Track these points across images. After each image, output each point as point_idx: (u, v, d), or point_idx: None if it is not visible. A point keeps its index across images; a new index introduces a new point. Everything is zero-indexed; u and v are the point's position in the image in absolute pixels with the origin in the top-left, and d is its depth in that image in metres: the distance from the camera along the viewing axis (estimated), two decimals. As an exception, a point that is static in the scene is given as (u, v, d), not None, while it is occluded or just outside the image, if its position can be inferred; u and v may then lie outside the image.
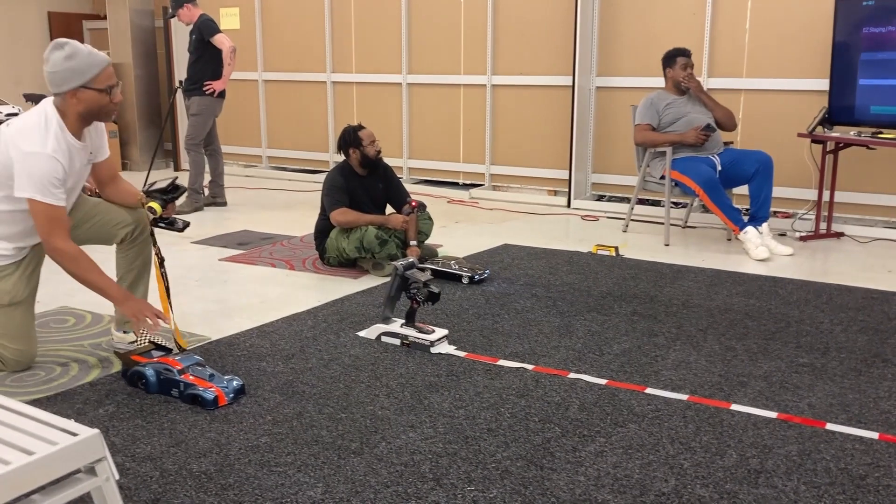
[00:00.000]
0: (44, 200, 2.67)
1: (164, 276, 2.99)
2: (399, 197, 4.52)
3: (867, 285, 4.11)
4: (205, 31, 5.91)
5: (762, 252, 4.64)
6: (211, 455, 2.30)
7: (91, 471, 1.46)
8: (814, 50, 5.45)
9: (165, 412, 2.58)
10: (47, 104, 2.76)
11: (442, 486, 2.15)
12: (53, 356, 3.08)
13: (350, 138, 4.41)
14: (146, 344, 2.94)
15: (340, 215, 4.28)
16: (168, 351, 2.90)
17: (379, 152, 4.45)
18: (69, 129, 2.75)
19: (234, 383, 2.68)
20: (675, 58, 5.14)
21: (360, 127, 4.45)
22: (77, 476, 1.46)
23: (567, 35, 6.25)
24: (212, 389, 2.61)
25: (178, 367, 2.68)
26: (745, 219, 4.86)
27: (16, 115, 5.75)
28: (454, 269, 4.11)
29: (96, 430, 1.45)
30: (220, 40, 5.89)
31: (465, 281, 4.07)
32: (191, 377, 2.66)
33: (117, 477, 1.48)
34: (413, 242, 4.38)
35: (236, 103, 8.07)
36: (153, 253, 3.14)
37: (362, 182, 4.43)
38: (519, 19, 6.57)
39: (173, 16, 6.08)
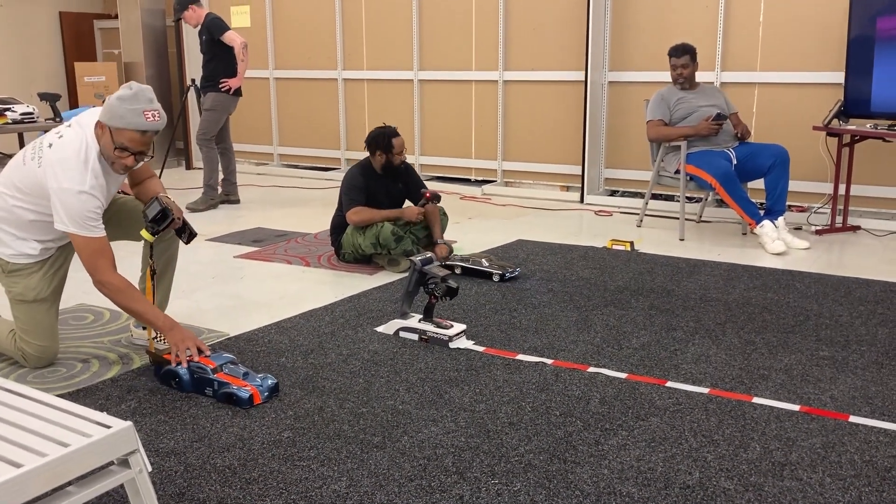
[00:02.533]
0: (83, 234, 2.67)
1: (153, 289, 2.96)
2: (417, 192, 4.50)
3: (885, 278, 4.08)
4: (214, 30, 5.89)
5: (779, 246, 4.62)
6: (234, 450, 2.31)
7: (124, 463, 1.46)
8: (829, 42, 5.42)
9: (187, 408, 2.59)
10: (88, 131, 2.72)
11: (466, 479, 2.15)
12: (74, 353, 3.09)
13: (382, 142, 4.35)
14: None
15: (355, 215, 4.28)
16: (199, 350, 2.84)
17: (403, 162, 4.43)
18: (104, 154, 2.74)
19: (269, 381, 2.65)
20: (669, 57, 5.14)
21: (396, 133, 4.38)
22: (110, 468, 1.47)
23: (579, 30, 6.24)
24: (247, 388, 2.58)
25: (212, 366, 2.65)
26: (761, 213, 4.84)
27: (31, 114, 5.78)
28: (485, 267, 4.07)
29: (129, 423, 1.46)
30: (230, 37, 5.87)
31: (495, 279, 4.01)
32: (225, 376, 2.63)
33: (149, 469, 1.49)
34: (441, 240, 4.36)
35: (247, 101, 8.07)
36: (177, 252, 3.16)
37: (382, 182, 4.42)
38: (530, 14, 6.56)
39: (179, 19, 6.03)
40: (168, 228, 2.90)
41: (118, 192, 3.07)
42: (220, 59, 5.97)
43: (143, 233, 2.88)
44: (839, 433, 2.40)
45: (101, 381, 2.81)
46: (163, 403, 2.63)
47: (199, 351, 2.73)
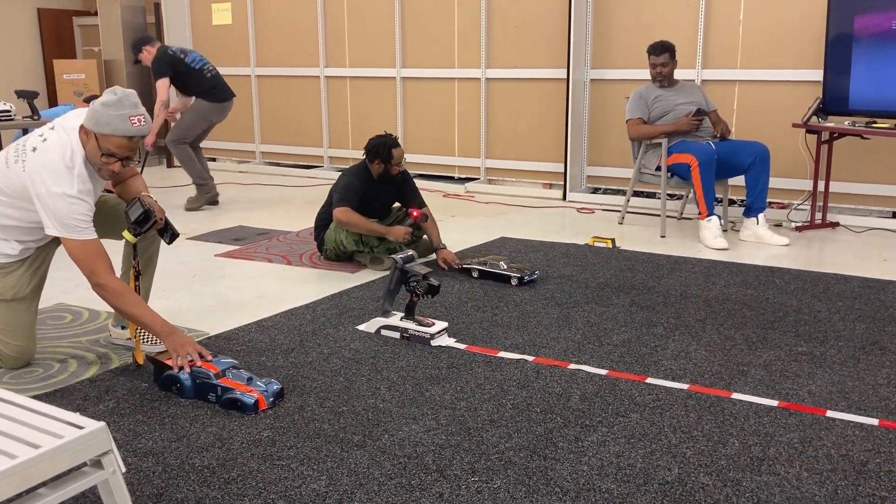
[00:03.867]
0: (75, 238, 2.64)
1: (136, 289, 2.93)
2: (410, 200, 4.42)
3: (863, 274, 4.12)
4: (153, 70, 5.85)
5: (720, 242, 4.68)
6: (213, 449, 2.30)
7: (97, 464, 1.45)
8: (808, 40, 5.46)
9: (166, 407, 2.57)
10: (73, 136, 2.68)
11: (446, 477, 2.15)
12: (51, 353, 3.06)
13: (382, 152, 4.26)
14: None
15: (343, 214, 4.21)
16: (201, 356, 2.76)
17: (401, 172, 4.36)
18: (89, 159, 2.71)
19: (274, 387, 2.59)
20: (648, 55, 5.16)
21: (396, 144, 4.31)
22: (83, 469, 1.46)
23: (561, 28, 6.25)
24: (252, 394, 2.52)
25: (215, 371, 2.59)
26: (742, 210, 4.87)
27: (8, 111, 5.71)
28: (503, 270, 3.97)
29: (102, 423, 1.44)
30: (157, 86, 5.79)
31: (514, 282, 3.93)
32: (229, 381, 2.58)
33: (123, 470, 1.47)
34: (442, 245, 4.29)
35: (229, 99, 8.04)
36: (158, 250, 3.14)
37: (378, 188, 4.37)
38: (513, 12, 6.56)
39: (137, 61, 6.00)
40: (150, 230, 2.88)
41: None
42: (187, 86, 5.90)
43: (126, 234, 2.85)
44: (816, 428, 2.42)
45: (78, 382, 2.78)
46: (141, 403, 2.61)
47: (201, 356, 2.67)
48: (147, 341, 3.04)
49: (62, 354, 3.05)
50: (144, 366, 2.86)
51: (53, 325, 3.40)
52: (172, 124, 6.03)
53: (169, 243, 3.00)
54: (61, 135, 2.70)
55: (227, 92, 6.06)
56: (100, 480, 1.45)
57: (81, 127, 2.68)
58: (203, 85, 5.89)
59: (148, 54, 5.88)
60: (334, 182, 4.43)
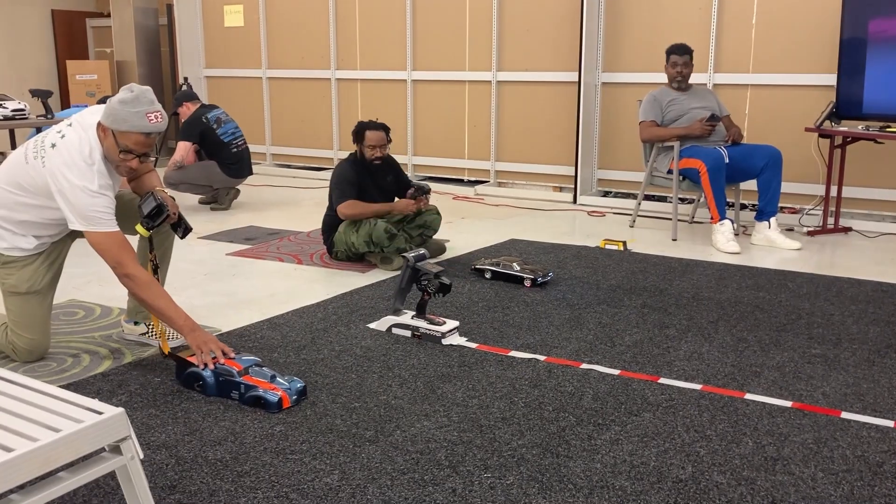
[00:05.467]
0: (99, 230, 2.66)
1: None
2: (406, 187, 4.49)
3: (876, 278, 4.10)
4: (181, 130, 5.93)
5: (733, 246, 4.66)
6: (226, 443, 2.30)
7: (116, 449, 1.45)
8: (821, 44, 5.45)
9: (178, 402, 2.58)
10: (91, 133, 2.70)
11: (458, 472, 2.14)
12: (64, 347, 3.07)
13: (356, 133, 4.38)
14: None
15: (347, 208, 4.25)
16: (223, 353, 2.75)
17: (379, 160, 4.35)
18: (107, 155, 2.73)
19: (297, 385, 2.57)
20: (668, 55, 5.15)
21: (376, 126, 4.34)
22: (102, 455, 1.46)
23: (573, 31, 6.25)
24: (276, 391, 2.51)
25: (238, 369, 2.59)
26: (754, 214, 4.86)
27: (22, 110, 5.75)
28: (516, 272, 3.96)
29: (121, 409, 1.45)
30: (178, 146, 5.87)
31: (527, 283, 3.92)
32: (252, 378, 2.57)
33: (141, 456, 1.48)
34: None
35: (241, 100, 8.08)
36: (171, 246, 3.15)
37: (372, 174, 4.40)
38: (524, 15, 6.57)
39: (175, 113, 6.09)
40: (163, 224, 2.89)
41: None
42: (210, 146, 5.94)
43: (139, 227, 2.86)
44: (831, 429, 2.41)
45: (91, 376, 2.79)
46: (154, 397, 2.61)
47: (224, 354, 2.66)
48: (161, 336, 3.05)
49: (75, 349, 3.06)
50: (169, 358, 2.85)
51: (66, 320, 3.41)
52: (174, 162, 5.98)
53: (182, 237, 3.02)
54: (79, 132, 2.71)
55: (246, 169, 6.08)
56: (118, 466, 1.45)
57: (99, 124, 2.69)
58: (225, 158, 5.93)
59: (187, 110, 6.00)
60: (329, 181, 4.45)
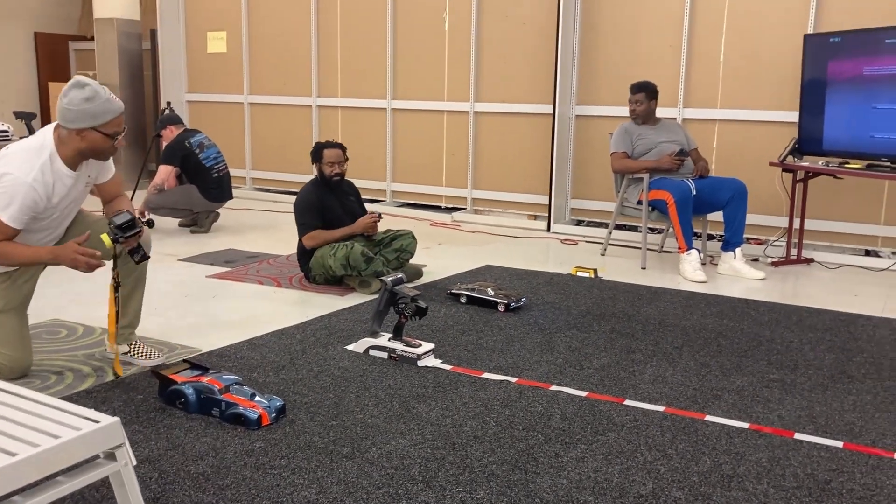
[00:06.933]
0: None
1: (116, 301, 2.98)
2: (363, 210, 4.70)
3: (835, 308, 4.28)
4: (162, 153, 6.07)
5: (699, 275, 4.83)
6: (207, 458, 2.38)
7: (111, 456, 1.54)
8: (784, 83, 5.69)
9: (161, 418, 2.66)
10: (48, 132, 2.84)
11: (431, 487, 2.25)
12: (48, 365, 3.14)
13: (314, 153, 4.56)
14: (180, 362, 2.93)
15: (310, 240, 4.42)
16: (205, 370, 2.85)
17: (338, 175, 4.53)
18: (63, 159, 2.83)
19: (277, 403, 2.66)
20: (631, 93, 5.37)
21: (334, 146, 4.54)
22: (97, 461, 1.55)
23: (548, 65, 6.46)
24: (255, 409, 2.60)
25: (220, 386, 2.67)
26: (720, 244, 5.04)
27: (5, 132, 5.81)
28: (490, 297, 4.06)
29: (116, 418, 1.54)
30: (159, 170, 6.03)
31: (500, 308, 4.03)
32: (232, 396, 2.65)
33: (134, 463, 1.57)
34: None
35: (222, 125, 8.19)
36: (145, 271, 3.21)
37: (335, 192, 4.55)
38: (502, 48, 6.77)
39: (159, 135, 6.23)
40: (133, 238, 2.90)
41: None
42: (191, 170, 6.05)
43: (104, 237, 2.86)
44: (784, 449, 2.55)
45: (74, 393, 2.86)
46: (137, 414, 2.69)
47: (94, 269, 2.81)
48: (143, 356, 3.13)
49: (58, 367, 3.13)
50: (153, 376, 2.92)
51: (49, 339, 3.47)
52: (154, 186, 6.07)
53: (137, 263, 3.00)
54: (37, 135, 2.87)
55: (226, 194, 6.20)
56: (112, 471, 1.54)
57: (70, 130, 2.79)
58: (206, 182, 6.05)
59: (170, 133, 6.12)
60: (293, 207, 4.57)
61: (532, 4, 6.58)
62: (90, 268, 2.82)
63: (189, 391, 2.69)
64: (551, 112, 6.41)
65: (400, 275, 3.42)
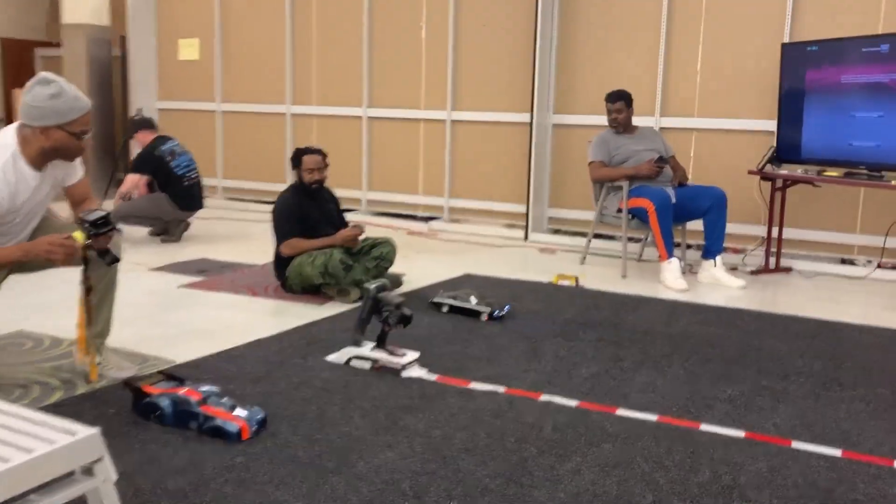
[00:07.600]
0: None
1: (87, 304, 2.86)
2: (342, 219, 4.60)
3: (817, 315, 4.26)
4: (133, 161, 5.95)
5: (680, 283, 4.80)
6: (186, 473, 2.25)
7: (88, 471, 1.42)
8: (762, 92, 5.70)
9: (136, 432, 2.52)
10: (10, 131, 2.72)
11: (423, 502, 2.14)
12: (12, 378, 2.98)
13: (294, 158, 4.46)
14: (154, 373, 2.79)
15: (288, 248, 4.30)
16: (180, 381, 2.71)
17: (318, 182, 4.43)
18: (27, 159, 2.71)
19: (258, 415, 2.54)
20: (605, 102, 5.34)
21: (314, 151, 4.44)
22: (74, 477, 1.43)
23: (526, 73, 6.41)
24: (235, 422, 2.47)
25: (197, 398, 2.53)
26: (700, 253, 5.01)
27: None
28: (473, 306, 3.97)
29: (96, 430, 1.42)
30: (127, 178, 5.91)
31: (483, 318, 3.94)
32: (211, 408, 2.52)
33: (115, 477, 1.45)
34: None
35: (194, 133, 8.01)
36: (116, 276, 3.07)
37: (315, 199, 4.44)
38: (479, 57, 6.72)
39: (131, 137, 6.11)
40: (107, 235, 2.76)
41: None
42: (162, 178, 5.90)
43: (76, 234, 2.70)
44: (783, 458, 2.49)
45: (42, 407, 2.71)
46: (109, 427, 2.53)
47: (69, 253, 2.64)
48: (114, 368, 2.99)
49: (24, 380, 2.97)
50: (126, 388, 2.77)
51: (14, 351, 3.31)
52: (121, 194, 5.91)
53: (108, 265, 2.87)
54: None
55: (197, 203, 6.06)
56: (90, 489, 1.42)
57: (34, 129, 2.67)
58: (177, 191, 5.88)
59: (142, 139, 5.95)
60: (271, 215, 4.45)
61: (510, 13, 6.55)
62: (67, 254, 2.65)
63: (165, 403, 2.55)
64: (529, 121, 6.37)
65: (384, 281, 3.32)
